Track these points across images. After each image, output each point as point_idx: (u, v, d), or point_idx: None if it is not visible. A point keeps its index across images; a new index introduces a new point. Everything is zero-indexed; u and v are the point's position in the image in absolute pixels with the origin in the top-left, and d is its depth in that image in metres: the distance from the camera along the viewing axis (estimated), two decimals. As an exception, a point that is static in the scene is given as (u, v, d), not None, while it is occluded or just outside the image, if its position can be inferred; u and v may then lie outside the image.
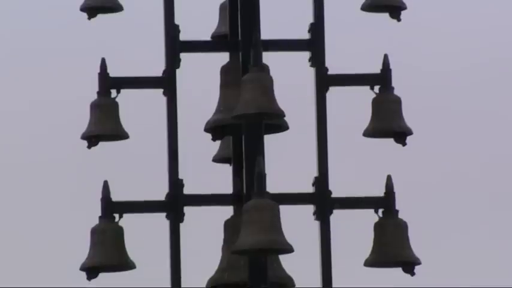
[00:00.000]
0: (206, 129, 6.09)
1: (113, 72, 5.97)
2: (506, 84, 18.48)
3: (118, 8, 6.06)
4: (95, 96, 5.76)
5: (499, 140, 17.62)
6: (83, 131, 5.89)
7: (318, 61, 5.84)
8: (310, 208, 5.71)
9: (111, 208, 5.69)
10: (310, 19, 5.99)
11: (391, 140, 5.89)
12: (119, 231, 5.69)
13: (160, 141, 5.79)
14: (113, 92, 5.86)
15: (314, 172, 5.80)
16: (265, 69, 5.62)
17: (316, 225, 5.72)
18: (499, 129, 17.89)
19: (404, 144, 5.77)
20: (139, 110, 5.95)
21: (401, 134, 5.77)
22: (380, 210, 5.76)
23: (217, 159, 6.22)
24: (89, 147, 5.74)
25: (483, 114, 17.74)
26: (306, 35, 5.99)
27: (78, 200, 6.04)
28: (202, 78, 6.05)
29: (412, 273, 5.57)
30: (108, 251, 5.81)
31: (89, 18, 5.99)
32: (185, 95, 5.88)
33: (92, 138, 5.81)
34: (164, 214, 5.71)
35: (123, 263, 5.71)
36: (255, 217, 5.27)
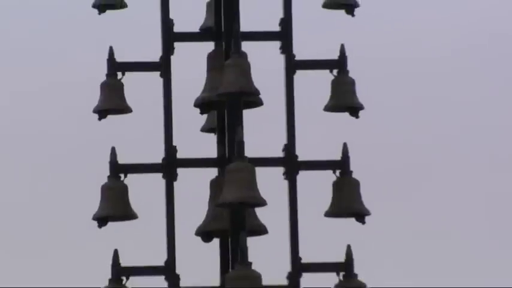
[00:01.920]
0: (195, 105, 6.13)
1: (119, 57, 5.93)
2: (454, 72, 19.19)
3: (123, 6, 6.13)
4: (104, 78, 5.85)
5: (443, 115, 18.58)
6: (94, 106, 5.86)
7: (286, 49, 5.86)
8: (280, 170, 5.73)
9: (117, 169, 5.76)
10: (281, 15, 5.92)
11: (347, 114, 5.84)
12: (124, 188, 5.79)
13: (158, 115, 5.79)
14: (119, 74, 5.86)
15: (283, 140, 5.81)
16: (243, 55, 5.71)
17: (285, 184, 5.69)
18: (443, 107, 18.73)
19: (357, 117, 5.79)
20: (141, 89, 5.94)
21: (355, 109, 5.80)
22: (337, 171, 5.69)
23: (205, 129, 6.25)
24: (100, 119, 5.81)
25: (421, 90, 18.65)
26: (277, 28, 5.90)
27: (91, 162, 6.10)
28: (192, 63, 6.02)
29: (363, 222, 5.66)
30: (115, 204, 5.87)
31: (99, 13, 6.03)
32: (178, 77, 5.91)
33: (102, 112, 5.86)
34: (161, 174, 5.76)
35: (128, 214, 5.81)
36: (235, 177, 5.36)
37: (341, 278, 5.65)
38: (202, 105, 6.06)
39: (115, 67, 5.84)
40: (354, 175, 5.70)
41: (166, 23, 6.00)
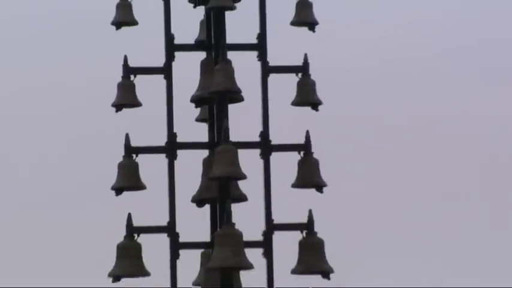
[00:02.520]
0: (191, 101, 6.84)
1: (131, 63, 6.54)
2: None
3: (135, 23, 6.74)
4: (120, 79, 6.51)
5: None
6: (112, 101, 6.51)
7: (262, 58, 6.51)
8: (257, 151, 6.39)
9: (130, 151, 6.39)
10: (258, 30, 6.56)
11: (309, 108, 6.59)
12: (135, 165, 6.43)
13: (161, 108, 6.39)
14: (132, 76, 6.49)
15: (260, 128, 6.41)
16: (228, 62, 6.42)
17: (261, 162, 6.32)
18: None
19: (317, 110, 6.51)
20: (148, 88, 6.58)
21: (315, 104, 6.51)
22: (302, 152, 6.42)
23: (199, 119, 6.96)
24: (117, 111, 6.46)
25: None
26: (255, 41, 6.54)
27: (111, 145, 6.82)
28: (188, 68, 6.66)
29: (321, 192, 6.31)
30: (128, 178, 6.50)
31: (117, 29, 6.64)
32: (178, 78, 6.49)
33: (118, 106, 6.53)
34: (164, 155, 6.41)
35: (138, 185, 6.50)
36: (222, 157, 6.04)
37: (304, 235, 6.28)
38: (196, 100, 6.87)
39: (128, 71, 6.52)
40: (314, 155, 6.43)
41: (169, 37, 6.57)
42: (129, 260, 6.30)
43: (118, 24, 6.74)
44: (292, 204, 6.59)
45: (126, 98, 6.50)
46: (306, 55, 6.56)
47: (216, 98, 6.48)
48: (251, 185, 6.45)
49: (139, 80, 6.65)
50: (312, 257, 6.28)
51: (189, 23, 6.87)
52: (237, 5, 6.81)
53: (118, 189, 6.38)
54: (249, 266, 6.11)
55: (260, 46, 6.61)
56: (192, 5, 6.96)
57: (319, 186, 6.39)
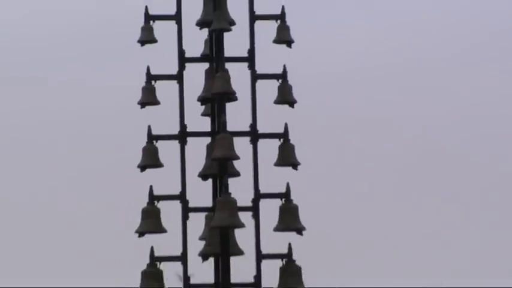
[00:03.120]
0: (198, 100, 7.53)
1: (152, 71, 7.35)
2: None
3: (155, 41, 7.38)
4: (144, 84, 7.35)
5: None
6: (138, 100, 7.32)
7: (252, 67, 7.20)
8: (247, 138, 7.17)
9: (151, 138, 7.15)
10: (248, 46, 7.30)
11: (287, 106, 7.34)
12: (156, 149, 7.16)
13: (175, 106, 7.19)
14: (152, 82, 7.31)
15: (249, 121, 7.20)
16: (226, 71, 7.03)
17: (250, 147, 7.14)
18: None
19: (293, 107, 7.24)
20: (165, 90, 7.38)
21: (292, 103, 7.22)
22: (281, 139, 7.18)
23: (203, 114, 7.61)
24: (141, 108, 7.30)
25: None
26: (246, 54, 7.31)
27: (137, 134, 7.57)
28: (196, 75, 7.43)
29: (296, 169, 7.09)
30: (150, 159, 7.20)
31: (141, 46, 7.39)
32: (188, 84, 7.27)
33: (142, 104, 7.28)
34: (177, 141, 7.16)
35: (157, 164, 7.15)
36: (221, 143, 6.82)
37: (283, 202, 7.10)
38: (202, 100, 7.55)
39: (150, 77, 7.26)
40: (291, 142, 7.22)
41: (181, 51, 7.26)
42: (150, 220, 7.05)
43: (142, 42, 7.40)
44: (274, 178, 7.28)
45: (148, 98, 7.25)
46: (284, 66, 7.29)
47: (217, 98, 7.17)
48: (243, 164, 7.13)
49: (158, 84, 7.38)
50: (289, 219, 7.01)
51: (196, 41, 7.54)
52: (232, 27, 7.38)
53: (142, 167, 7.19)
54: (241, 225, 6.81)
55: (250, 59, 7.26)
56: (199, 27, 7.55)
57: (295, 164, 7.10)
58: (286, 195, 7.03)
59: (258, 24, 7.36)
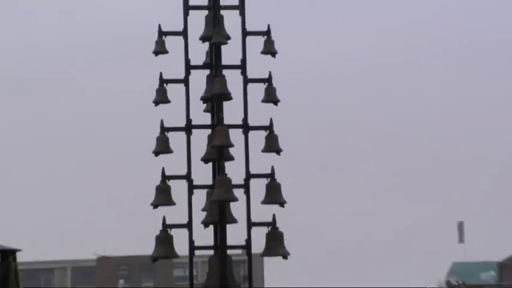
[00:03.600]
0: (201, 99, 8.09)
1: (165, 76, 7.86)
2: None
3: (166, 52, 7.88)
4: (157, 86, 7.83)
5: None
6: (153, 99, 7.81)
7: (244, 73, 7.77)
8: (240, 130, 7.68)
9: (163, 129, 7.65)
10: (241, 56, 7.85)
11: (272, 104, 7.83)
12: (167, 138, 7.63)
13: (182, 104, 7.73)
14: (164, 85, 7.81)
15: (242, 116, 7.75)
16: (223, 76, 7.61)
17: (242, 137, 7.68)
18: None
19: (276, 105, 7.82)
20: (174, 92, 7.93)
21: (275, 102, 7.80)
22: (267, 131, 7.71)
23: (205, 111, 8.05)
24: (155, 106, 7.80)
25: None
26: (239, 63, 7.81)
27: (151, 127, 8.11)
28: (199, 79, 8.03)
29: (279, 154, 7.55)
30: (162, 145, 7.66)
31: (156, 56, 7.88)
32: (192, 86, 7.84)
33: (156, 102, 7.80)
34: (184, 132, 7.67)
35: (168, 150, 7.64)
36: (219, 133, 7.38)
37: (268, 180, 7.61)
38: (204, 99, 8.07)
39: (162, 81, 7.79)
40: (275, 133, 7.76)
41: (187, 60, 7.81)
42: (163, 195, 7.61)
43: (156, 53, 7.93)
44: (261, 162, 7.84)
45: (161, 98, 7.78)
46: (270, 72, 7.90)
47: (215, 98, 7.72)
48: (236, 151, 7.73)
49: (169, 87, 7.94)
50: (274, 194, 7.63)
51: (199, 52, 8.06)
52: (228, 41, 7.91)
53: (156, 153, 7.78)
54: (235, 199, 7.45)
55: (242, 66, 7.86)
56: (201, 41, 8.04)
57: (278, 151, 7.72)
58: (271, 176, 7.64)
59: (249, 38, 7.90)
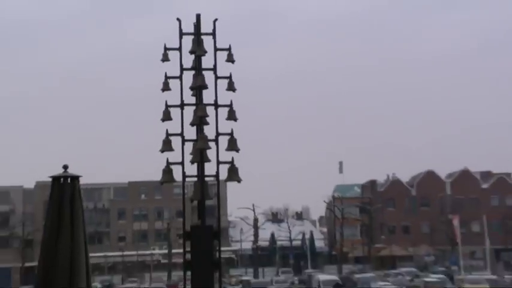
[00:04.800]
0: (190, 88, 9.54)
1: (169, 74, 9.35)
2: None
3: (168, 60, 9.32)
4: (163, 80, 9.41)
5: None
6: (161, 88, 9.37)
7: (215, 73, 9.47)
8: (212, 107, 9.23)
9: (167, 106, 9.08)
10: (213, 62, 9.37)
11: (232, 92, 9.39)
12: (169, 112, 9.03)
13: (178, 91, 9.33)
14: (168, 80, 9.40)
15: (213, 97, 9.28)
16: (202, 75, 9.22)
17: (214, 112, 9.22)
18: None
19: (234, 92, 9.29)
20: (173, 84, 9.37)
21: (234, 90, 9.35)
22: (229, 108, 9.18)
23: (192, 95, 9.32)
24: (163, 92, 9.29)
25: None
26: (212, 66, 9.37)
27: (159, 105, 9.50)
28: (189, 76, 9.48)
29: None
30: (167, 115, 9.12)
31: (162, 62, 9.30)
32: (185, 81, 9.37)
33: (163, 90, 9.30)
34: (179, 108, 9.13)
35: (170, 118, 9.14)
36: (200, 108, 9.02)
37: (230, 137, 9.14)
38: (191, 88, 9.50)
39: (166, 78, 9.45)
40: (234, 108, 9.20)
41: (181, 64, 9.36)
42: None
43: (163, 60, 9.49)
44: (226, 126, 9.43)
45: (165, 87, 9.40)
46: (230, 73, 9.55)
47: (198, 88, 9.44)
48: (210, 119, 9.28)
49: (170, 81, 9.52)
50: (233, 144, 9.20)
51: (189, 59, 9.51)
52: (206, 53, 9.44)
53: (163, 120, 9.25)
54: (209, 147, 8.97)
55: (214, 69, 9.54)
56: (190, 53, 9.49)
57: (235, 119, 9.35)
58: (231, 134, 9.40)
59: (219, 52, 9.66)
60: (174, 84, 9.77)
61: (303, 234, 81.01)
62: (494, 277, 49.50)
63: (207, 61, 9.83)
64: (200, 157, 9.33)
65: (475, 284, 44.79)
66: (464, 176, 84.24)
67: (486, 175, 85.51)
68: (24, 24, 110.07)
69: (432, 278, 48.45)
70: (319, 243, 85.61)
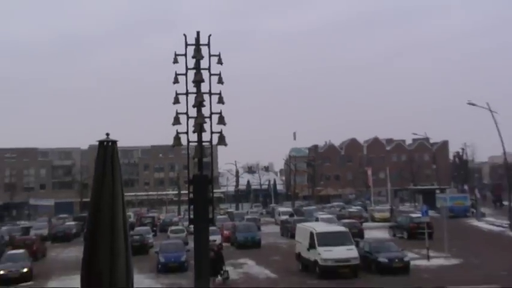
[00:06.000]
0: (192, 82, 9.39)
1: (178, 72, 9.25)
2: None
3: (177, 62, 9.08)
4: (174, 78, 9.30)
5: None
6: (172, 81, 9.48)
7: (209, 71, 9.26)
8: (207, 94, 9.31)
9: (177, 95, 9.41)
10: (207, 63, 9.22)
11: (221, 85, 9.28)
12: (178, 98, 9.58)
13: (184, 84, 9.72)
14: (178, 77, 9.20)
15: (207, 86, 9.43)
16: (201, 73, 9.07)
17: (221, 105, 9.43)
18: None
19: (223, 84, 9.86)
20: (181, 79, 9.16)
21: (222, 82, 9.51)
22: (220, 96, 9.65)
23: (194, 86, 9.15)
24: (174, 84, 9.27)
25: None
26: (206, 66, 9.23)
27: (172, 88, 9.29)
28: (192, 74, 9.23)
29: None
30: (176, 99, 10.39)
31: (173, 63, 9.25)
32: (189, 77, 9.20)
33: (174, 83, 9.39)
34: (185, 95, 9.32)
35: (178, 101, 10.10)
36: (199, 96, 9.82)
37: (218, 117, 9.65)
38: (193, 82, 9.37)
39: (176, 75, 9.32)
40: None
41: (186, 66, 9.21)
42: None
43: (174, 62, 9.24)
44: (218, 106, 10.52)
45: (176, 80, 9.35)
46: (220, 71, 9.42)
47: (198, 81, 9.26)
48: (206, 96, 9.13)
49: (179, 77, 9.34)
50: (221, 120, 9.24)
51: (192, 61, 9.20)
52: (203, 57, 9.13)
53: (174, 104, 9.35)
54: (204, 122, 8.89)
55: (209, 68, 9.40)
56: (192, 58, 9.28)
57: (222, 100, 9.49)
58: (220, 113, 9.48)
59: (213, 58, 9.71)
60: (181, 78, 9.69)
61: (269, 181, 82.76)
62: (393, 208, 51.35)
63: (204, 63, 9.77)
64: (199, 129, 9.46)
65: (380, 212, 46.49)
66: (375, 141, 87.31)
67: (389, 141, 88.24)
68: (75, 37, 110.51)
69: (353, 208, 49.76)
70: (280, 187, 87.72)
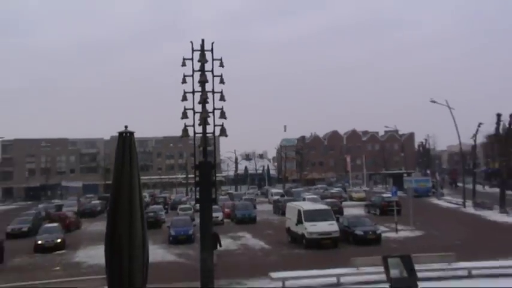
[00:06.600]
0: (198, 82, 9.04)
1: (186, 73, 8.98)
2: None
3: (185, 65, 8.70)
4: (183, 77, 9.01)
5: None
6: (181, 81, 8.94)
7: (212, 73, 8.96)
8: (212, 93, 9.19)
9: (185, 93, 8.99)
10: (211, 66, 8.95)
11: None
12: (186, 95, 9.93)
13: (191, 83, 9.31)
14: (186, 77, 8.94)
15: (211, 86, 9.06)
16: (205, 74, 8.84)
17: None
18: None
19: (224, 84, 9.03)
20: (188, 79, 8.72)
21: (223, 82, 9.05)
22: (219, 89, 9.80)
23: (199, 86, 8.84)
24: (182, 83, 8.94)
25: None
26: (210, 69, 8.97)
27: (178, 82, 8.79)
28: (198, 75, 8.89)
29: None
30: (184, 96, 9.51)
31: (181, 66, 9.00)
32: (195, 78, 8.86)
33: (183, 82, 9.10)
34: (191, 94, 9.19)
35: (186, 99, 9.73)
36: (204, 93, 9.35)
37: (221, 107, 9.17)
38: (199, 82, 9.08)
39: (184, 76, 9.02)
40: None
41: (193, 68, 8.86)
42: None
43: (182, 65, 8.88)
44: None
45: (183, 80, 9.10)
46: (221, 74, 9.15)
47: (202, 81, 8.93)
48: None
49: (187, 78, 9.02)
50: (222, 115, 8.99)
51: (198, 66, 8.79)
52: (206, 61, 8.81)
53: (183, 100, 9.06)
54: (208, 116, 8.69)
55: (212, 70, 9.09)
56: (198, 62, 8.95)
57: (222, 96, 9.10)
58: (222, 109, 9.09)
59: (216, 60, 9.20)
60: (188, 79, 9.45)
61: (263, 167, 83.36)
62: (367, 189, 51.86)
63: (208, 66, 9.56)
64: (204, 122, 9.28)
65: (358, 193, 46.84)
66: (353, 133, 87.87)
67: (365, 133, 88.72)
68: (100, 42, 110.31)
69: (334, 190, 50.08)
70: (272, 172, 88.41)
